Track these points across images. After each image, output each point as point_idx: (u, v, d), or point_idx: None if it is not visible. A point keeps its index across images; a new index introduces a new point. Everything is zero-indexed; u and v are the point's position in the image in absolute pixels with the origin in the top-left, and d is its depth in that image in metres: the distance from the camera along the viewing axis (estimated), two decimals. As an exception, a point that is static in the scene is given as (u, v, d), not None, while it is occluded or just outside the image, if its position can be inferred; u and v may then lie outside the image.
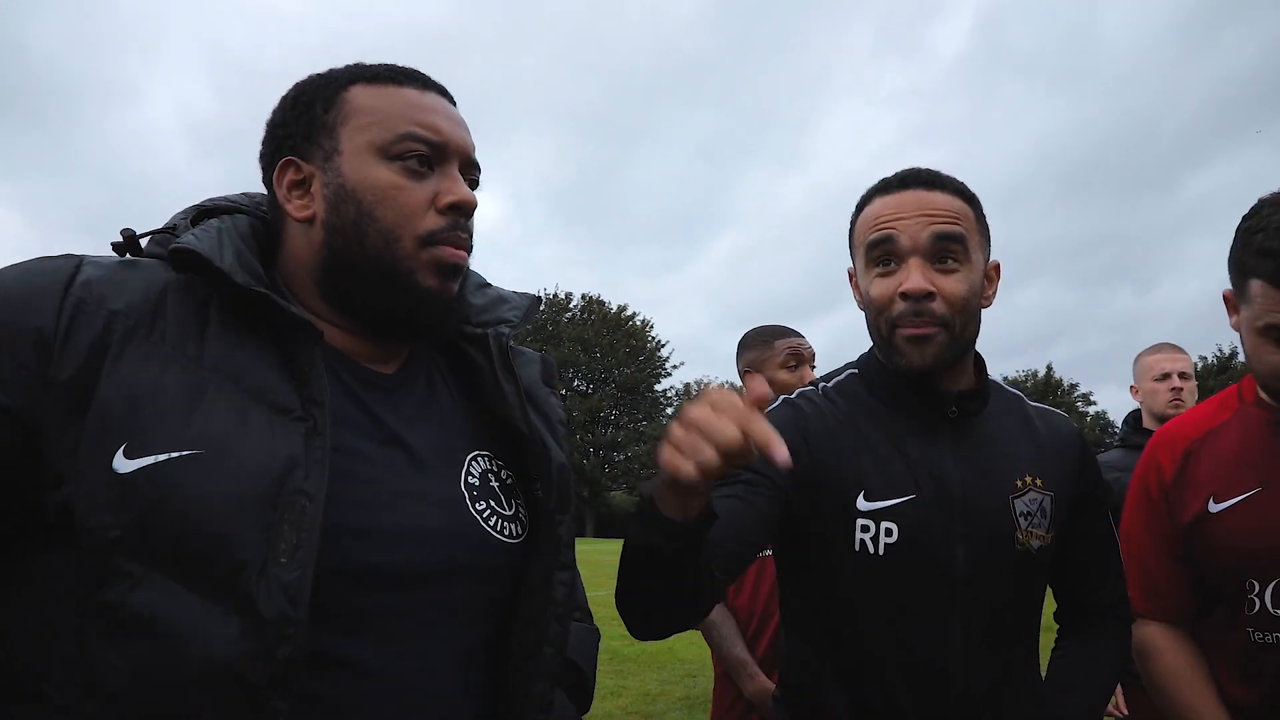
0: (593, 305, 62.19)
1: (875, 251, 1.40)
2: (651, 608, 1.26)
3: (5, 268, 0.93)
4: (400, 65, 1.11)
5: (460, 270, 1.09)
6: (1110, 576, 1.58)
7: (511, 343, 1.18)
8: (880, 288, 1.40)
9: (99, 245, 1.09)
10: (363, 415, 1.03)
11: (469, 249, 1.09)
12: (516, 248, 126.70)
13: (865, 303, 1.46)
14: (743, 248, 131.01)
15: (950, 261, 1.38)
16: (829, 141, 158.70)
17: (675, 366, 64.46)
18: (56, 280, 0.89)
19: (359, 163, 1.03)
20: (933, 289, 1.36)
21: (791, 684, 1.54)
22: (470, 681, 1.03)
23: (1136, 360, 3.56)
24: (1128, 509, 1.66)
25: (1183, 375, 3.39)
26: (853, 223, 1.50)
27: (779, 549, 1.56)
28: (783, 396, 1.55)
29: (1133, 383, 3.57)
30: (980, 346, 1.51)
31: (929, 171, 1.45)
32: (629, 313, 62.37)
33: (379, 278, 1.03)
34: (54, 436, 0.85)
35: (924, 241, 1.36)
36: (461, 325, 1.17)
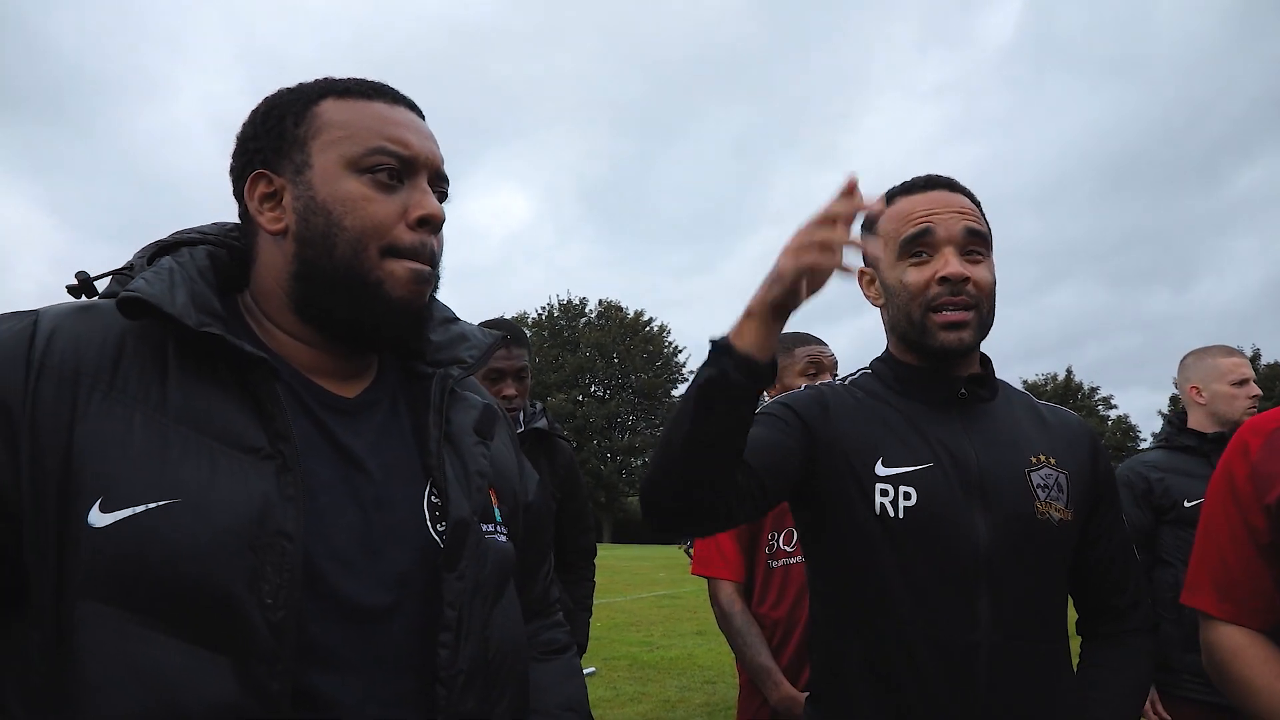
0: (610, 310, 62.34)
1: (913, 244, 1.50)
2: (690, 472, 1.25)
3: None
4: (371, 80, 1.12)
5: (429, 280, 1.09)
6: (1131, 578, 1.59)
7: (457, 387, 1.19)
8: (916, 275, 1.50)
9: (128, 248, 1.11)
10: (325, 441, 1.03)
11: (436, 264, 1.10)
12: (548, 250, 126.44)
13: (895, 291, 1.54)
14: (775, 247, 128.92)
15: (976, 254, 1.50)
16: (867, 137, 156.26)
17: (692, 372, 64.29)
18: (15, 348, 0.90)
19: (329, 176, 1.04)
20: (968, 275, 1.47)
21: (819, 676, 1.55)
22: (422, 710, 0.99)
23: (1199, 359, 3.31)
24: (1208, 504, 1.59)
25: (1255, 382, 3.20)
26: (872, 225, 1.59)
27: (804, 527, 1.59)
28: (805, 384, 1.66)
29: (1193, 383, 3.31)
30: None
31: (948, 177, 1.58)
32: (646, 317, 62.49)
33: (348, 288, 1.03)
34: (27, 502, 0.85)
35: (958, 234, 1.48)
36: (417, 362, 1.18)
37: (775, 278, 1.18)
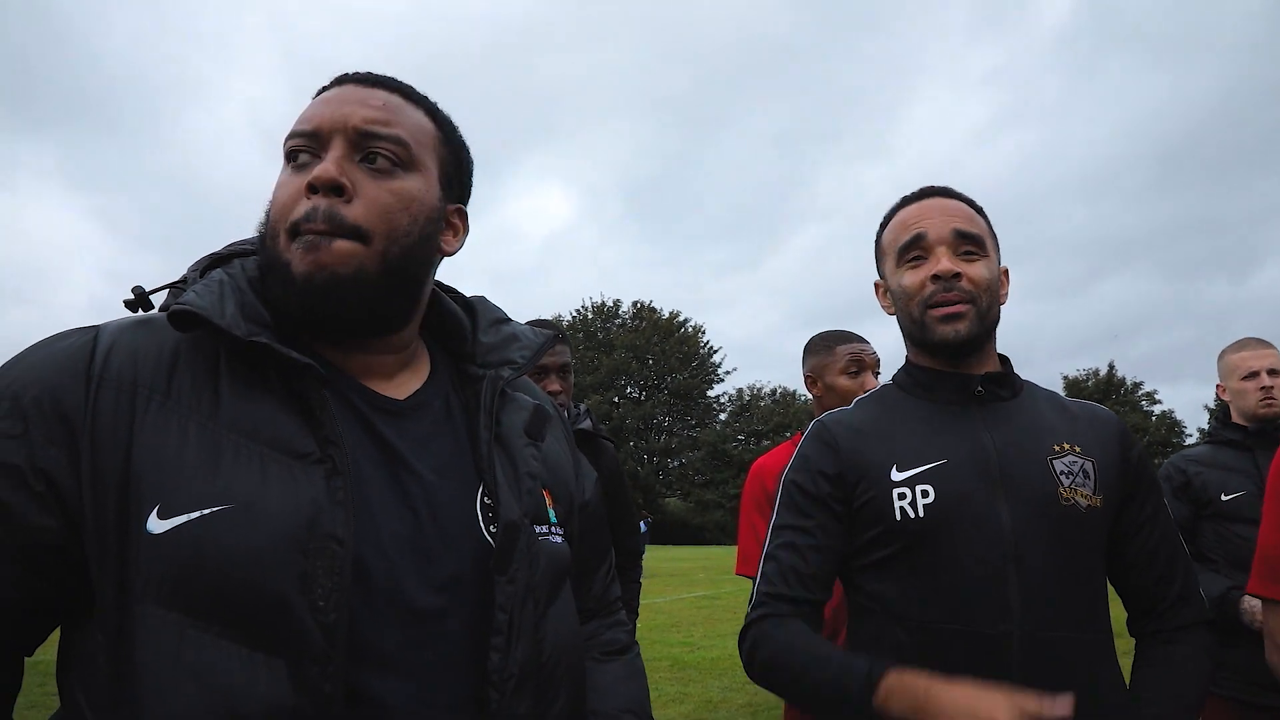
0: (643, 312, 62.40)
1: (908, 250, 1.57)
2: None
3: (24, 353, 0.96)
4: (346, 73, 1.12)
5: (317, 247, 0.98)
6: (1179, 570, 1.54)
7: (508, 389, 1.19)
8: (912, 277, 1.56)
9: (176, 257, 1.10)
10: (374, 443, 1.03)
11: (338, 228, 0.99)
12: (590, 250, 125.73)
13: (897, 296, 1.61)
14: (820, 243, 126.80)
15: (970, 254, 1.54)
16: (916, 128, 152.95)
17: (728, 372, 64.35)
18: (76, 362, 0.92)
19: (279, 177, 1.05)
20: (959, 270, 1.52)
21: None
22: (473, 713, 0.99)
23: (1220, 358, 3.32)
24: (1269, 492, 1.57)
25: (1272, 372, 3.13)
26: (879, 238, 1.68)
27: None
28: (813, 420, 1.70)
29: (1219, 381, 3.33)
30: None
31: (944, 186, 1.64)
32: (681, 318, 62.47)
33: (273, 278, 1.02)
34: (89, 511, 0.88)
35: (948, 235, 1.54)
36: (468, 364, 1.17)
37: None
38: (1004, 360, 1.63)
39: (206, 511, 0.87)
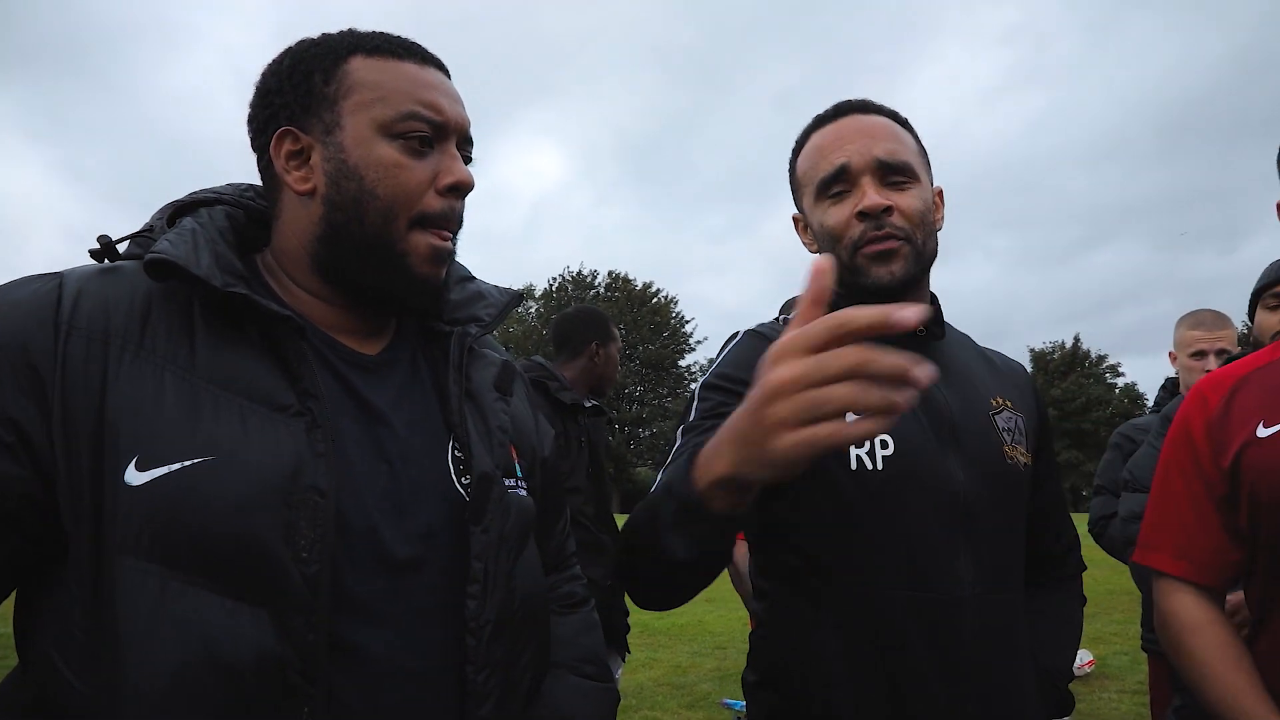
0: (618, 282, 62.27)
1: (831, 185, 1.38)
2: (678, 589, 1.19)
3: None
4: (398, 36, 1.10)
5: (448, 256, 1.09)
6: (1067, 523, 1.59)
7: (475, 345, 1.19)
8: (837, 215, 1.38)
9: (143, 214, 1.09)
10: (350, 398, 1.04)
11: (457, 233, 1.10)
12: (583, 212, 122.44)
13: (820, 235, 1.42)
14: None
15: (899, 182, 1.37)
16: (924, 88, 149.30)
17: (699, 342, 64.38)
18: (42, 309, 0.90)
19: (361, 139, 1.03)
20: (890, 204, 1.35)
21: (776, 659, 1.41)
22: (450, 659, 1.01)
23: (1177, 326, 3.29)
24: (1162, 462, 1.55)
25: (1220, 353, 3.07)
26: (794, 166, 1.49)
27: (762, 504, 1.28)
28: (744, 329, 1.50)
29: (1172, 349, 3.30)
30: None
31: (861, 100, 1.45)
32: (654, 289, 62.42)
33: (375, 256, 1.04)
34: (61, 462, 0.86)
35: (873, 163, 1.36)
36: (434, 320, 1.18)
37: (766, 461, 0.86)
38: (934, 297, 1.50)
39: (187, 463, 0.87)
